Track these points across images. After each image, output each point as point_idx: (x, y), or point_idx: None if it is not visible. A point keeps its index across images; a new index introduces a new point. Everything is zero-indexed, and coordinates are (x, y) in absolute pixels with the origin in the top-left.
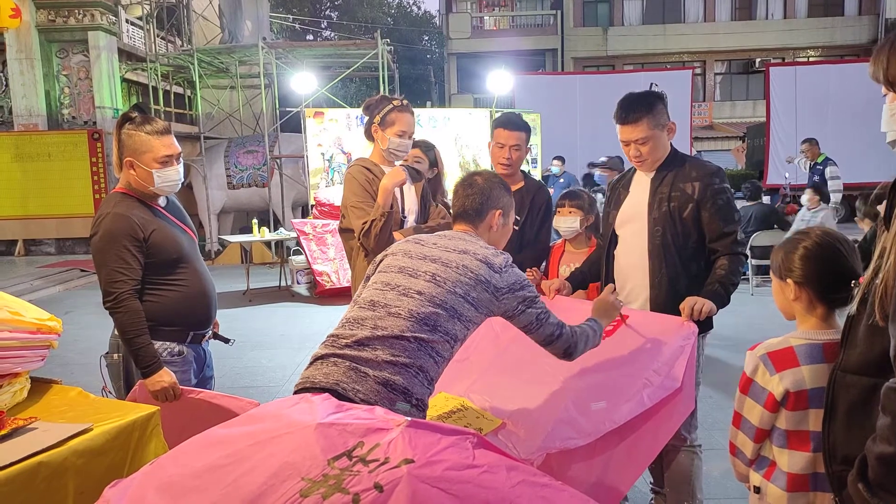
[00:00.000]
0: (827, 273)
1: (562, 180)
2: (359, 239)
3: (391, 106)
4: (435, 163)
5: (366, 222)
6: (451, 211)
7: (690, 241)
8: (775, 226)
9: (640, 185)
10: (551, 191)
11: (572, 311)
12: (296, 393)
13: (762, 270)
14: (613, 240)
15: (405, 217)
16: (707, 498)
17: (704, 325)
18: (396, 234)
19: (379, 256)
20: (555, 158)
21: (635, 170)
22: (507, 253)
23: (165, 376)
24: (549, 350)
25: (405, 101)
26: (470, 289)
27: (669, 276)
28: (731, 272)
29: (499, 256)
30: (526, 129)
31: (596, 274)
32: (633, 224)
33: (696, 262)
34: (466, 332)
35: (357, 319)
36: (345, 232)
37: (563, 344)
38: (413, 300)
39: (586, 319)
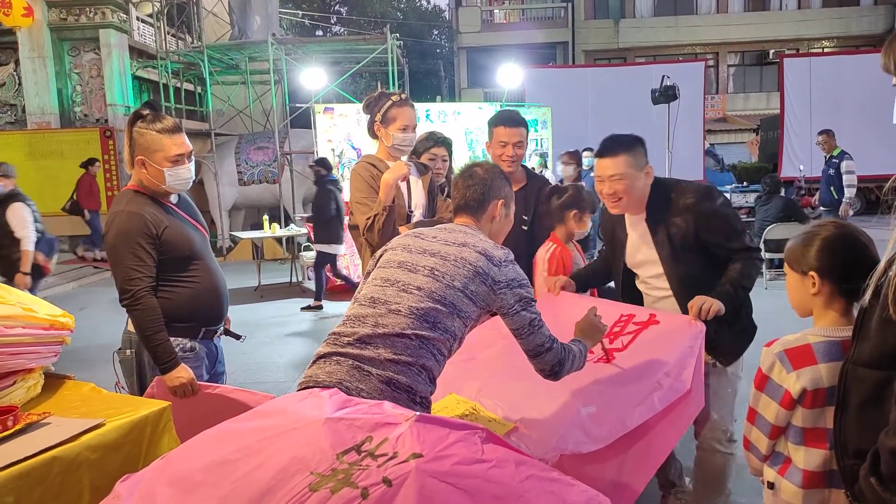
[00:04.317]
0: (848, 264)
1: (592, 174)
2: (363, 234)
3: (390, 102)
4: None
5: (369, 217)
6: None
7: (707, 264)
8: (792, 219)
9: (638, 227)
10: (583, 184)
11: (578, 306)
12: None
13: (776, 264)
14: (630, 274)
15: (412, 212)
16: None
17: (748, 333)
18: (402, 229)
19: (379, 252)
20: (585, 150)
21: None
22: (507, 248)
23: (183, 372)
24: (535, 364)
25: (404, 96)
26: (468, 281)
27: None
28: (742, 274)
29: (499, 250)
30: (525, 124)
31: (600, 282)
32: (649, 267)
33: (721, 276)
34: (464, 330)
35: (358, 317)
36: (353, 229)
37: (552, 358)
38: (412, 296)
39: (571, 340)
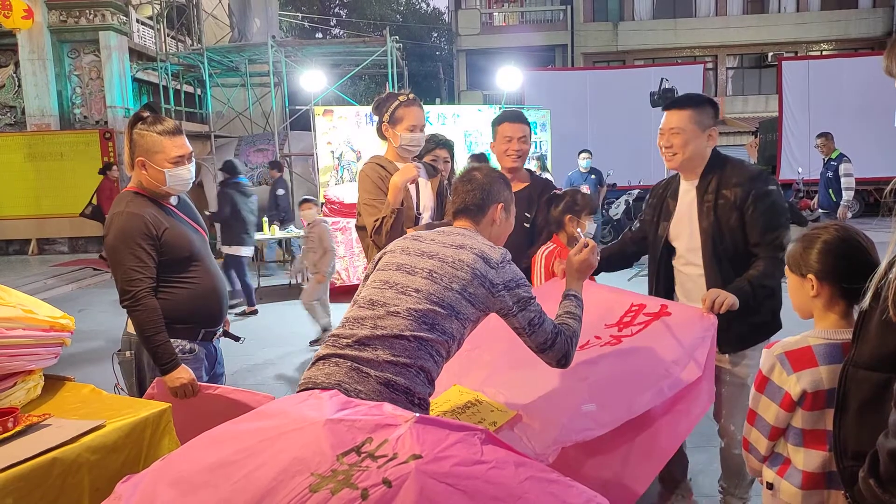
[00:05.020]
0: (849, 266)
1: (593, 176)
2: (371, 236)
3: (398, 102)
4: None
5: (377, 219)
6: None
7: (741, 250)
8: (791, 222)
9: (687, 194)
10: (586, 188)
11: (584, 292)
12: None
13: None
14: (668, 250)
15: (420, 214)
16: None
17: (768, 329)
18: (409, 231)
19: (378, 254)
20: (582, 152)
21: (679, 177)
22: (504, 248)
23: (184, 373)
24: (542, 357)
25: (411, 95)
26: (467, 284)
27: (726, 285)
28: (764, 274)
29: (496, 251)
30: (528, 122)
31: (614, 267)
32: (687, 237)
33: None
34: (463, 331)
35: (357, 319)
36: (360, 230)
37: (556, 353)
38: (411, 298)
39: (563, 298)
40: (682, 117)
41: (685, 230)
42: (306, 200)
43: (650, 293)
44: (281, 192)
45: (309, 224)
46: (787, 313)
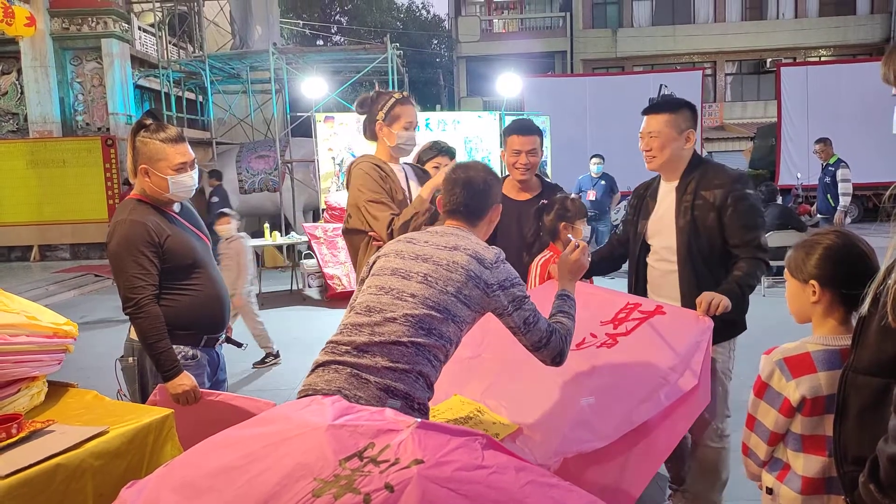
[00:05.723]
0: (850, 273)
1: (603, 182)
2: (391, 230)
3: (394, 100)
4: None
5: (395, 214)
6: None
7: (716, 250)
8: (789, 226)
9: (667, 194)
10: (593, 193)
11: (578, 294)
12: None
13: (773, 272)
14: (644, 248)
15: None
16: (722, 498)
17: (736, 327)
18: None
19: (372, 258)
20: (593, 157)
21: (660, 178)
22: (498, 248)
23: (186, 380)
24: (536, 356)
25: (405, 93)
26: (462, 286)
27: (699, 284)
28: (748, 274)
29: (490, 251)
30: (539, 132)
31: (605, 270)
32: (663, 235)
33: (724, 269)
34: (460, 334)
35: (355, 325)
36: (350, 232)
37: (550, 352)
38: (407, 303)
39: (556, 298)
40: (658, 121)
41: (662, 228)
42: (223, 214)
43: (629, 291)
44: (215, 199)
45: (227, 239)
46: (751, 317)
